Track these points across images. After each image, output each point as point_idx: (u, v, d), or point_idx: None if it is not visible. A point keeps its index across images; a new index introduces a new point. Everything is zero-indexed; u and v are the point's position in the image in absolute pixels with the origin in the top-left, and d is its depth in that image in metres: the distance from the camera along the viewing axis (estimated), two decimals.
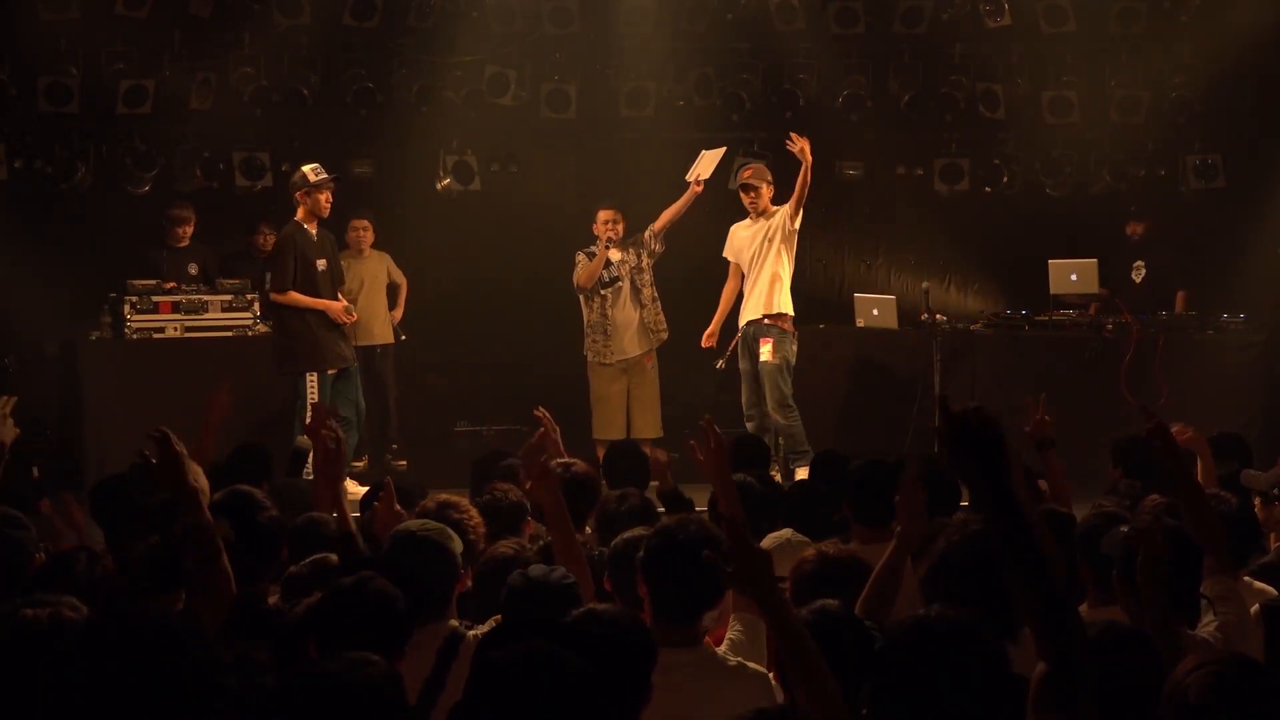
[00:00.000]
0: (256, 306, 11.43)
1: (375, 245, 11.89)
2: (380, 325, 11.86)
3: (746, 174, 10.98)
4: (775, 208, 10.86)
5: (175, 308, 11.25)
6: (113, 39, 12.14)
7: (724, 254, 11.11)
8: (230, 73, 12.35)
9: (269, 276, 10.57)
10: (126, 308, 11.12)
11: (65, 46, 12.05)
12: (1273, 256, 12.22)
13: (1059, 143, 13.04)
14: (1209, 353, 11.76)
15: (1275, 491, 6.28)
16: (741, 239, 10.97)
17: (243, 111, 12.36)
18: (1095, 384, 11.63)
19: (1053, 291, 12.03)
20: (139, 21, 12.04)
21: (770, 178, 10.92)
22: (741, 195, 10.96)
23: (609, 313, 11.20)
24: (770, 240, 10.77)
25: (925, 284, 12.40)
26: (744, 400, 10.99)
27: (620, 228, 11.16)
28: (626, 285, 11.19)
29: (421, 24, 12.62)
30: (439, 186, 12.93)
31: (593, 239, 11.21)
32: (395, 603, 4.06)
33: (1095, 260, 12.03)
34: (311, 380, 10.29)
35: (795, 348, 10.88)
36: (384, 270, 11.90)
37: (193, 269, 11.79)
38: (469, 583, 4.74)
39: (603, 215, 11.19)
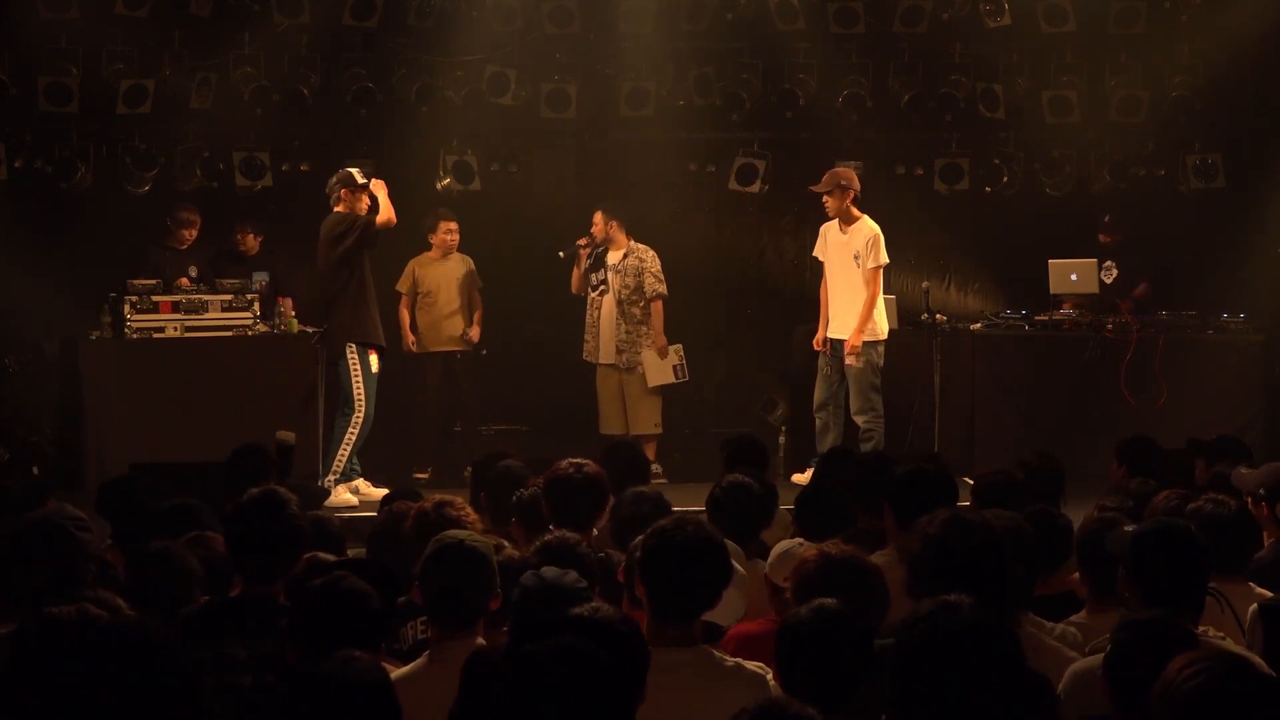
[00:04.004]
0: (256, 306, 11.41)
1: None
2: (459, 331, 11.77)
3: (824, 179, 10.89)
4: (860, 215, 10.81)
5: (175, 308, 11.23)
6: (113, 39, 12.13)
7: (814, 253, 11.15)
8: (230, 72, 12.35)
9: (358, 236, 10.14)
10: (126, 308, 11.09)
11: (65, 46, 12.04)
12: (1273, 256, 12.21)
13: (1059, 143, 13.02)
14: (1209, 353, 11.77)
15: (1262, 491, 6.29)
16: (830, 243, 10.95)
17: (243, 111, 12.35)
18: (1095, 384, 11.65)
19: (1053, 291, 12.04)
20: (139, 21, 12.02)
21: (843, 180, 10.79)
22: None
23: (593, 314, 11.49)
24: (857, 259, 10.73)
25: (925, 284, 12.39)
26: (816, 398, 10.97)
27: (598, 230, 11.37)
28: (612, 297, 11.40)
29: (421, 24, 12.61)
30: (439, 186, 12.93)
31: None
32: (369, 601, 4.06)
33: (1095, 260, 12.05)
34: (355, 368, 10.14)
35: (882, 349, 10.82)
36: (467, 273, 11.78)
37: (193, 271, 11.78)
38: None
39: (595, 217, 11.45)
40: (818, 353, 11.01)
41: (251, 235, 12.22)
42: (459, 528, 4.98)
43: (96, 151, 12.31)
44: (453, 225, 11.78)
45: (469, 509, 5.56)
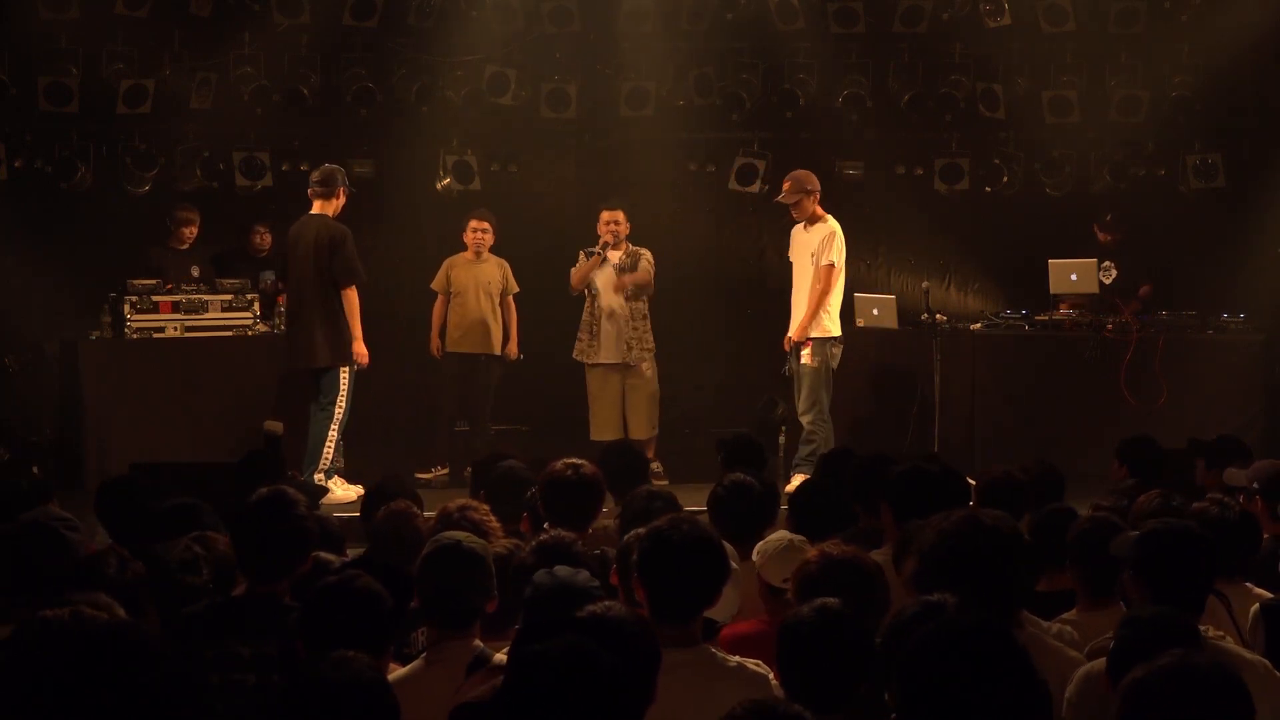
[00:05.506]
0: (256, 306, 11.42)
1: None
2: (489, 335, 11.34)
3: (785, 187, 10.86)
4: (824, 215, 10.80)
5: (175, 308, 11.23)
6: (113, 39, 12.14)
7: (789, 255, 11.12)
8: (230, 72, 12.36)
9: (337, 268, 10.04)
10: (126, 308, 11.09)
11: (65, 46, 12.05)
12: (1273, 256, 12.21)
13: (1059, 143, 13.02)
14: (1209, 353, 11.77)
15: (1255, 486, 6.30)
16: (795, 243, 10.97)
17: (243, 111, 12.36)
18: (1095, 384, 11.65)
19: (1053, 291, 12.04)
20: (139, 21, 12.04)
21: (809, 186, 10.76)
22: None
23: (595, 312, 11.16)
24: (814, 257, 10.71)
25: (925, 284, 12.40)
26: (797, 404, 10.92)
27: (621, 229, 11.10)
28: (618, 294, 11.07)
29: (421, 24, 12.62)
30: (439, 186, 12.93)
31: (595, 238, 11.20)
32: (381, 602, 4.06)
33: (1095, 260, 12.04)
34: (344, 374, 10.10)
35: (838, 351, 10.79)
36: (500, 277, 11.40)
37: (194, 271, 11.78)
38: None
39: (604, 215, 11.13)
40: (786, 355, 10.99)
41: (271, 235, 12.18)
42: (481, 532, 4.98)
43: (96, 151, 12.31)
44: (483, 225, 11.31)
45: (492, 516, 5.56)
